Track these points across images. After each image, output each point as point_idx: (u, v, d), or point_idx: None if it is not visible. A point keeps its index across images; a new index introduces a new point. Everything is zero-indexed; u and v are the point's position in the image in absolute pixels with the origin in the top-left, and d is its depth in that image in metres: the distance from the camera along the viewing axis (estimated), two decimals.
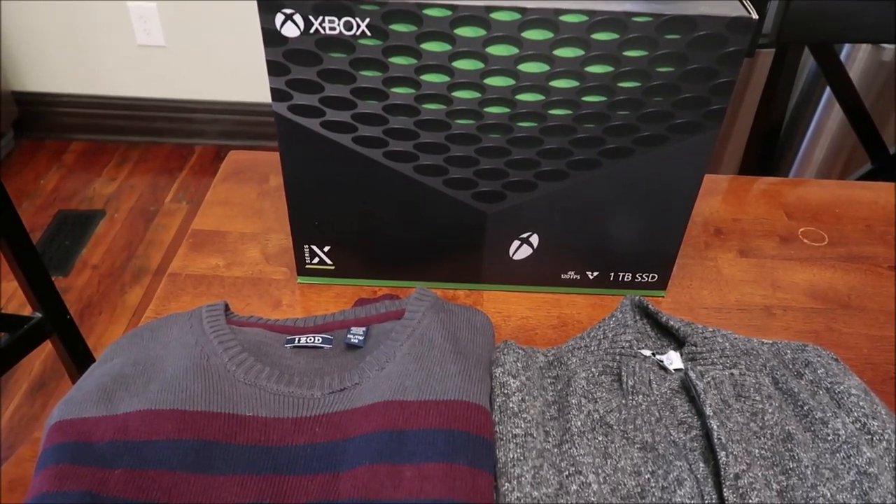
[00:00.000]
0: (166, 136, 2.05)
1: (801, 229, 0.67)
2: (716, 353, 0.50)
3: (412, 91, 0.46)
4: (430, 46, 0.44)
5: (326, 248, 0.55)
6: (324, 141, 0.49)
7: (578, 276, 0.57)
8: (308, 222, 0.53)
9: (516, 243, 0.54)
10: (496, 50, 0.44)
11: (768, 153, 0.86)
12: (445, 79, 0.46)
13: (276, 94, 0.47)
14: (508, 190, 0.51)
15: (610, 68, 0.45)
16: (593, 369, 0.47)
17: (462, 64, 0.45)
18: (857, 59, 1.58)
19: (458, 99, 0.47)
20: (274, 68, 0.46)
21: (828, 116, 1.64)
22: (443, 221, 0.53)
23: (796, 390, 0.47)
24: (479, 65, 0.45)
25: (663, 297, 0.59)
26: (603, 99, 0.47)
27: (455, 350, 0.45)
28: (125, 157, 1.99)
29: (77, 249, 1.66)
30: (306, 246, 0.55)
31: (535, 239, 0.54)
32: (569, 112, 0.47)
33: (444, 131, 0.48)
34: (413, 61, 0.45)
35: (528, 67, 0.45)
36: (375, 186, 0.51)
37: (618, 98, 0.47)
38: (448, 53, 0.45)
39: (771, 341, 0.52)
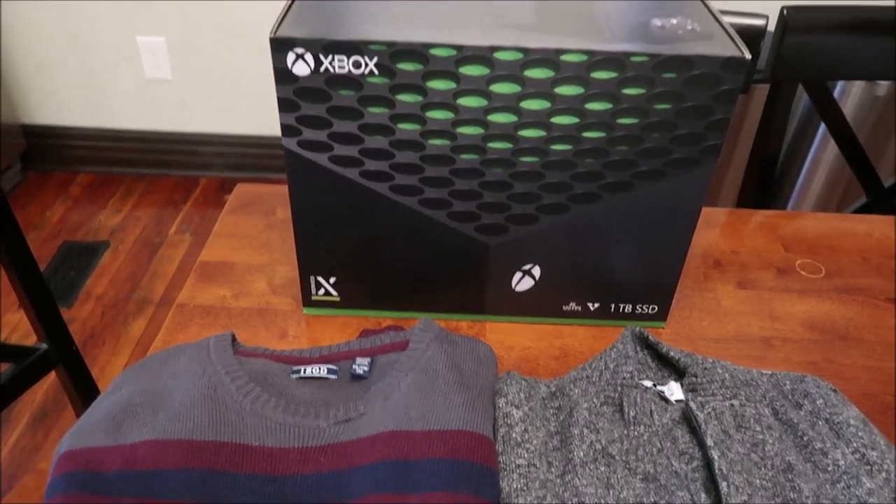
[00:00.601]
0: (172, 168, 2.08)
1: (798, 261, 0.68)
2: (716, 383, 0.50)
3: (418, 127, 0.48)
4: (436, 84, 0.46)
5: (332, 280, 0.56)
6: (331, 175, 0.50)
7: (580, 308, 0.58)
8: (315, 254, 0.54)
9: (518, 275, 0.55)
10: (499, 88, 0.46)
11: (765, 186, 0.88)
12: (450, 115, 0.47)
13: (286, 129, 0.48)
14: (510, 223, 0.52)
15: (609, 105, 0.47)
16: (595, 400, 0.48)
17: (466, 101, 0.47)
18: (851, 94, 1.61)
19: (462, 135, 0.48)
20: (285, 105, 0.47)
21: (824, 150, 1.67)
22: (446, 253, 0.54)
23: (796, 421, 0.47)
24: (483, 102, 0.47)
25: (663, 328, 0.59)
26: (602, 135, 0.48)
27: (459, 381, 0.46)
28: (131, 188, 2.01)
29: (81, 280, 1.68)
30: (313, 277, 0.56)
31: (536, 271, 0.55)
32: (569, 147, 0.49)
33: (449, 166, 0.50)
34: (419, 99, 0.46)
35: (529, 104, 0.47)
36: (381, 219, 0.52)
37: (617, 134, 0.48)
38: (453, 91, 0.46)
39: (770, 372, 0.52)
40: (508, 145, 0.49)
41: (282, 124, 0.48)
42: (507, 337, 0.57)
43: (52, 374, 0.89)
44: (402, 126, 0.48)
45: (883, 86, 1.57)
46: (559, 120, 0.47)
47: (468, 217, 0.52)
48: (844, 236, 0.72)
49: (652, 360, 0.53)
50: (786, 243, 0.71)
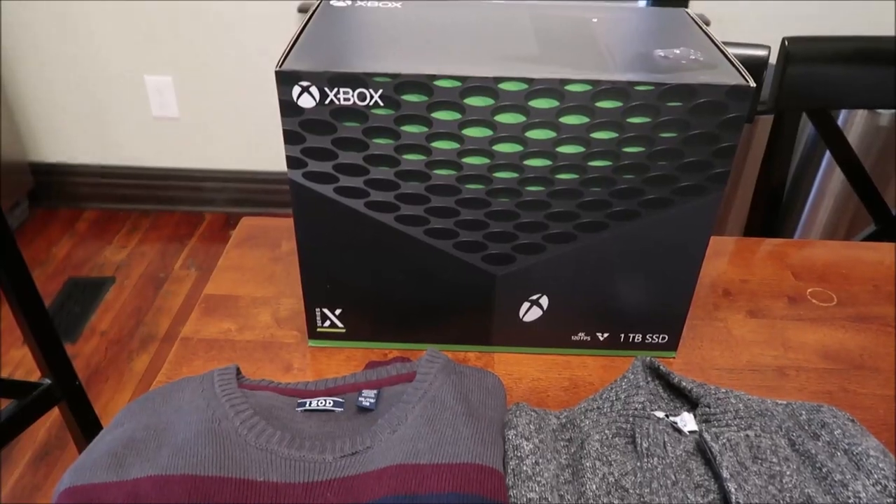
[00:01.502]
0: (177, 204, 2.09)
1: (810, 290, 0.68)
2: (730, 414, 0.49)
3: (423, 157, 0.48)
4: (441, 115, 0.46)
5: (338, 311, 0.55)
6: (337, 206, 0.50)
7: (589, 338, 0.57)
8: (320, 285, 0.54)
9: (526, 305, 0.55)
10: (504, 118, 0.46)
11: (772, 215, 0.87)
12: (455, 146, 0.47)
13: (292, 161, 0.48)
14: (517, 252, 0.52)
15: (614, 134, 0.47)
16: (607, 431, 0.47)
17: (471, 132, 0.47)
18: (854, 123, 1.62)
19: (467, 165, 0.48)
20: (290, 137, 0.47)
21: (829, 178, 1.67)
22: (453, 284, 0.53)
23: (814, 452, 0.46)
24: (488, 132, 0.47)
25: (674, 357, 0.58)
26: (608, 163, 0.48)
27: (467, 412, 0.45)
28: (136, 224, 2.02)
29: (86, 316, 1.67)
30: (318, 309, 0.55)
31: (544, 301, 0.55)
32: (575, 176, 0.48)
33: (455, 196, 0.49)
34: (424, 129, 0.47)
35: (535, 134, 0.47)
36: (387, 250, 0.52)
37: (623, 163, 0.48)
38: (458, 122, 0.46)
39: (785, 402, 0.51)
40: (514, 175, 0.48)
41: (287, 156, 0.48)
42: (516, 368, 0.56)
43: (56, 411, 0.88)
44: (407, 157, 0.48)
45: (886, 115, 1.58)
46: (565, 149, 0.47)
47: (475, 247, 0.52)
48: (855, 264, 0.72)
49: (664, 391, 0.52)
50: (795, 272, 0.70)
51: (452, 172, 0.48)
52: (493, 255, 0.52)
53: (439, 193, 0.49)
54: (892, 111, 1.55)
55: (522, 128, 0.46)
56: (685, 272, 0.53)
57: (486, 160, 0.48)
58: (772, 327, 0.63)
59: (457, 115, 0.46)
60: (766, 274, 0.70)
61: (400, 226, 0.51)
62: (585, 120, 0.46)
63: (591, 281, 0.53)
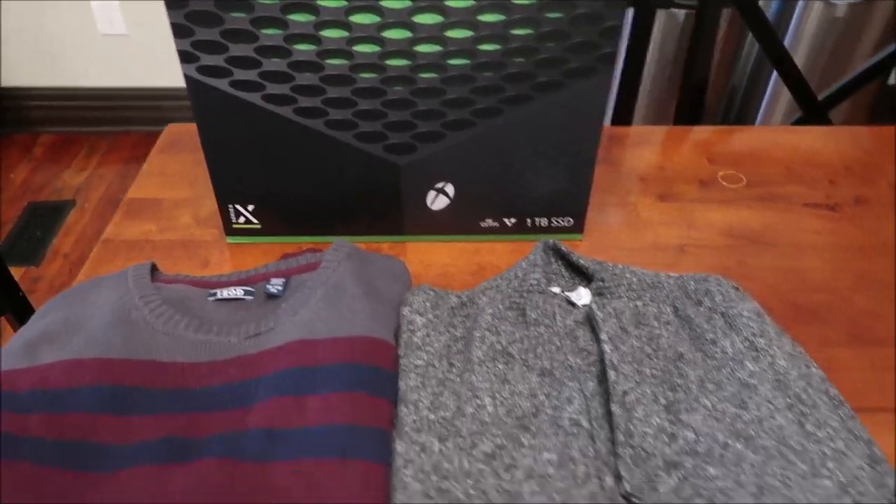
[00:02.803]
0: (134, 125, 2.06)
1: (721, 173, 0.70)
2: (623, 287, 0.52)
3: (313, 47, 0.48)
4: (327, 2, 0.46)
5: (251, 207, 0.57)
6: (235, 101, 0.51)
7: (497, 224, 0.59)
8: (229, 181, 0.55)
9: (432, 193, 0.56)
10: (391, 3, 0.46)
11: (697, 106, 0.88)
12: (344, 34, 0.47)
13: (184, 55, 0.48)
14: (418, 141, 0.53)
15: (501, 17, 0.47)
16: (500, 306, 0.49)
17: (358, 18, 0.47)
18: (810, 16, 1.60)
19: (358, 53, 0.48)
20: (178, 30, 0.47)
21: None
22: (359, 176, 0.55)
23: (693, 316, 0.49)
24: (376, 18, 0.47)
25: (581, 240, 0.61)
26: (498, 47, 0.49)
27: (365, 293, 0.47)
28: (94, 147, 2.00)
29: (48, 240, 1.68)
30: (231, 206, 0.57)
31: (450, 189, 0.56)
32: (467, 61, 0.49)
33: (350, 86, 0.50)
34: (311, 18, 0.47)
35: (423, 19, 0.47)
36: (290, 144, 0.53)
37: (512, 46, 0.48)
38: (344, 8, 0.46)
39: (678, 275, 0.54)
40: (406, 62, 0.49)
41: (178, 50, 0.48)
42: (427, 255, 0.59)
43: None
44: (298, 47, 0.48)
45: (841, 6, 1.56)
46: (453, 34, 0.48)
47: (375, 137, 0.53)
48: (770, 148, 0.74)
49: (566, 271, 0.55)
50: (712, 157, 0.72)
51: (345, 62, 0.49)
52: (395, 144, 0.53)
53: (334, 84, 0.50)
54: (846, 1, 1.54)
55: (409, 12, 0.47)
56: (583, 155, 0.55)
57: (376, 48, 0.48)
58: (680, 209, 0.65)
59: (343, 2, 0.46)
60: (682, 161, 0.72)
61: (299, 118, 0.52)
62: (471, 2, 0.46)
63: (492, 167, 0.55)
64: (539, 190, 0.57)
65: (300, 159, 0.54)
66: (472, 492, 0.38)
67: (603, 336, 0.46)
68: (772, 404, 0.43)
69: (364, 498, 0.36)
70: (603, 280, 0.52)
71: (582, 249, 0.60)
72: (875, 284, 0.57)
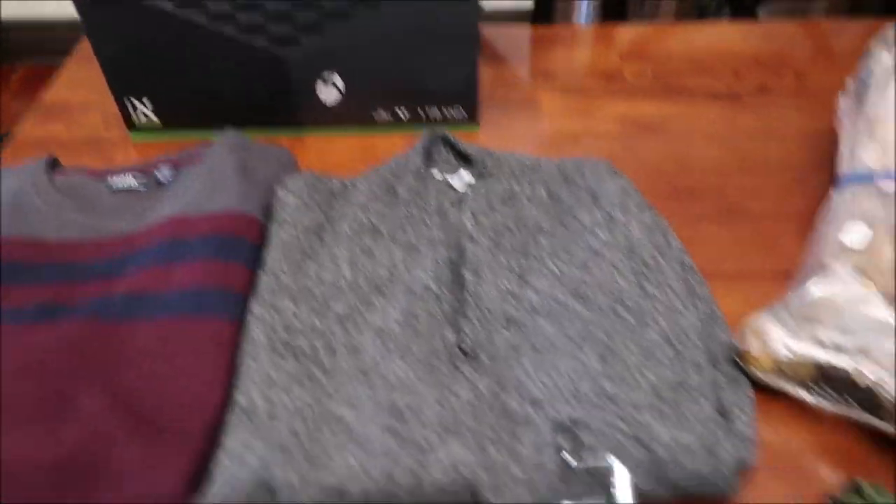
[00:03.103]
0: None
1: (629, 68, 0.70)
2: (505, 171, 0.54)
3: None
4: None
5: (147, 102, 0.59)
6: None
7: (391, 116, 0.61)
8: (121, 74, 0.57)
9: (321, 85, 0.58)
10: None
11: (619, 6, 0.88)
12: None
13: None
14: (298, 32, 0.54)
15: None
16: (375, 187, 0.52)
17: None
18: None
19: None
20: None
21: None
22: (246, 69, 0.56)
23: (562, 194, 0.51)
24: None
25: (478, 131, 0.62)
26: None
27: (240, 175, 0.50)
28: None
29: None
30: (127, 100, 0.58)
31: (339, 81, 0.58)
32: None
33: None
34: None
35: None
36: (174, 37, 0.54)
37: None
38: None
39: (561, 159, 0.56)
40: None
41: None
42: (325, 148, 0.61)
43: None
44: None
45: None
46: None
47: (256, 29, 0.54)
48: (683, 44, 0.74)
49: (456, 160, 0.57)
50: (623, 54, 0.73)
51: None
52: (277, 36, 0.54)
53: None
54: None
55: None
56: (463, 42, 0.56)
57: None
58: (581, 102, 0.66)
59: None
60: (592, 57, 0.72)
61: (179, 10, 0.53)
62: None
63: (376, 57, 0.56)
64: (425, 80, 0.58)
65: (188, 54, 0.55)
66: (317, 345, 0.41)
67: (466, 211, 0.48)
68: (616, 268, 0.45)
69: (211, 350, 0.39)
70: (485, 165, 0.54)
71: (479, 141, 0.62)
72: (758, 165, 0.59)
